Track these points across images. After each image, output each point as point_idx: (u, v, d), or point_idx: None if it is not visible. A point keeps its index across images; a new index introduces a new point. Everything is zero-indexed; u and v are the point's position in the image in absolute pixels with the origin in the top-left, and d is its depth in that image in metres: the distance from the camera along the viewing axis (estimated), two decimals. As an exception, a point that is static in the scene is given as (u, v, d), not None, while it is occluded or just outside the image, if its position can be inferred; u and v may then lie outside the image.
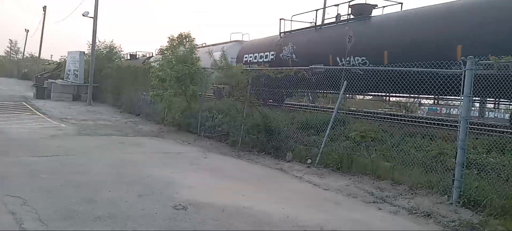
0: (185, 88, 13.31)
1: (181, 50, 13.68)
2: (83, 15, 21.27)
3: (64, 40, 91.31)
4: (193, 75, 13.33)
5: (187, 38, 14.65)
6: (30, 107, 18.67)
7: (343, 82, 9.25)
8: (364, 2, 13.85)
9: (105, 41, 24.93)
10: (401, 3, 13.47)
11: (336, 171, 8.10)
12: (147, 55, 34.71)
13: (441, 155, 6.81)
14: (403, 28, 11.52)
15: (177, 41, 14.59)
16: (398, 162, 7.33)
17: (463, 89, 6.01)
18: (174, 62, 13.18)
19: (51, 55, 57.24)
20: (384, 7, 13.81)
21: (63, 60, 36.27)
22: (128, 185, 6.30)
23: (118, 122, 15.61)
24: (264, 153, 10.11)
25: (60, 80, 25.54)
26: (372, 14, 13.29)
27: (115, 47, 24.95)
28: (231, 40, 22.31)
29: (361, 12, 13.50)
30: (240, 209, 5.42)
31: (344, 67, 11.05)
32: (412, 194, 6.47)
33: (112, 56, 24.81)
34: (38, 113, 16.87)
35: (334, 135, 10.03)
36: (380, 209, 5.94)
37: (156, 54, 35.32)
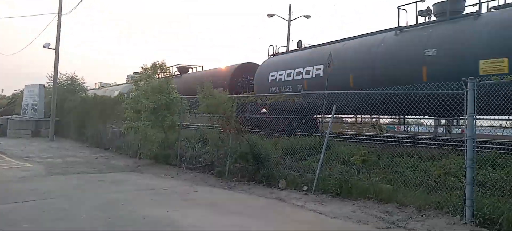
0: (163, 119, 12.78)
1: (156, 80, 13.20)
2: (44, 47, 20.15)
3: (15, 73, 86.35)
4: (169, 105, 12.86)
5: (161, 67, 14.22)
6: (-15, 147, 17.13)
7: (333, 106, 9.21)
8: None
9: (66, 73, 23.79)
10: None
11: (335, 197, 7.90)
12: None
13: (446, 174, 6.80)
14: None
15: (151, 71, 14.10)
16: (400, 184, 7.26)
17: (466, 109, 6.07)
18: (150, 92, 12.65)
19: (2, 90, 53.93)
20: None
21: (17, 94, 34.20)
22: (123, 230, 5.72)
23: (88, 158, 14.63)
24: (254, 182, 9.74)
25: (17, 116, 23.86)
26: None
27: (78, 79, 23.81)
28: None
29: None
30: (257, 247, 5.02)
31: (325, 92, 11.06)
32: (422, 215, 6.38)
33: (74, 88, 23.61)
34: (-4, 153, 15.48)
35: (324, 159, 9.97)
36: (395, 234, 5.77)
37: (126, 83, 34.36)
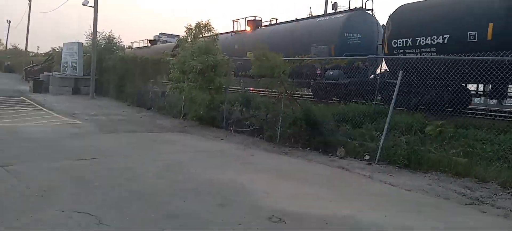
0: (209, 80, 12.51)
1: (202, 40, 12.82)
2: (83, 4, 20.00)
3: (51, 32, 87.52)
4: (216, 66, 12.53)
5: (206, 27, 13.78)
6: (32, 102, 17.49)
7: (399, 72, 8.64)
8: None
9: (103, 32, 23.67)
10: None
11: (403, 168, 7.48)
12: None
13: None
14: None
15: (195, 31, 13.70)
16: (478, 157, 6.77)
17: None
18: (196, 52, 12.32)
19: (38, 47, 55.05)
20: None
21: (54, 51, 34.72)
22: (195, 193, 5.56)
23: (133, 117, 14.68)
24: (308, 148, 9.42)
25: (57, 73, 24.20)
26: None
27: (114, 38, 23.73)
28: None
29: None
30: (344, 220, 4.74)
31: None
32: (509, 193, 5.92)
33: (112, 47, 23.60)
34: (44, 109, 15.76)
35: (379, 127, 9.49)
36: (483, 212, 5.34)
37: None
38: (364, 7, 14.95)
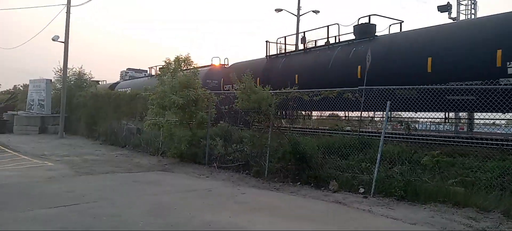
0: (191, 115, 12.14)
1: (182, 74, 12.52)
2: (53, 40, 19.29)
3: (14, 68, 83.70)
4: (197, 100, 12.21)
5: (185, 61, 13.54)
6: (-5, 144, 16.35)
7: (387, 103, 8.64)
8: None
9: (73, 68, 22.87)
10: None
11: (400, 200, 7.34)
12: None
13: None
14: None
15: (174, 65, 13.41)
16: (478, 186, 6.73)
17: None
18: (177, 87, 11.98)
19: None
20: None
21: (18, 89, 33.20)
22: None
23: (108, 156, 13.94)
24: (299, 183, 9.15)
25: (23, 112, 22.97)
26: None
27: (85, 74, 22.96)
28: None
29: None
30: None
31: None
32: (514, 222, 5.85)
33: (82, 83, 22.79)
34: (8, 150, 14.76)
35: (366, 158, 9.39)
36: (494, 244, 5.22)
37: (122, 80, 33.31)
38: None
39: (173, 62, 13.48)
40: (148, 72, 37.49)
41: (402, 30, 12.97)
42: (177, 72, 12.82)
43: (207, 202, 7.35)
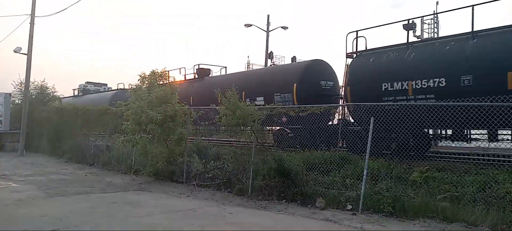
0: (168, 132, 11.76)
1: (159, 89, 12.14)
2: (15, 51, 18.18)
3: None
4: (175, 116, 11.87)
5: (161, 75, 13.21)
6: None
7: (371, 119, 8.79)
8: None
9: (35, 81, 21.64)
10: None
11: (389, 216, 7.41)
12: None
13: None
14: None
15: (149, 80, 13.03)
16: (465, 200, 6.93)
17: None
18: (155, 102, 11.60)
19: None
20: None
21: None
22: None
23: (76, 175, 13.17)
24: (284, 200, 9.04)
25: (-24, 128, 21.38)
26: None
27: (48, 88, 21.80)
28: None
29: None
30: None
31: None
32: (503, 236, 6.04)
33: (44, 98, 21.61)
34: (-37, 171, 13.58)
35: (347, 174, 9.48)
36: (489, 259, 5.35)
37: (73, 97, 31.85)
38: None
39: (148, 77, 13.11)
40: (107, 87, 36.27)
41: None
42: (154, 87, 12.42)
43: (198, 223, 7.05)
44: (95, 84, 40.05)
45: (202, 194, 10.17)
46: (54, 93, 21.74)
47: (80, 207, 8.13)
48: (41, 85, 21.80)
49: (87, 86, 36.69)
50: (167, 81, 13.00)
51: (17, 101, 22.11)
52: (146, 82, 13.00)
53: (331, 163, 10.14)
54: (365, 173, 8.18)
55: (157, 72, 13.19)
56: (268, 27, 32.49)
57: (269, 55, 32.23)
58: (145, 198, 9.57)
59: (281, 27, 33.24)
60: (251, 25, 32.73)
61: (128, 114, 11.87)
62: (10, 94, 20.89)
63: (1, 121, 20.36)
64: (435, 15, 21.04)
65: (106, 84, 41.60)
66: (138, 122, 11.73)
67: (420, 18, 17.48)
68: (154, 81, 12.85)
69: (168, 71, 13.34)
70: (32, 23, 18.26)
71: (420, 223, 6.93)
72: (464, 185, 7.70)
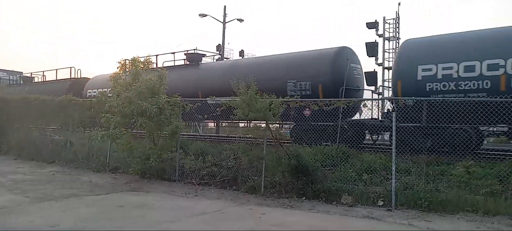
0: (159, 125, 10.62)
1: (148, 79, 10.90)
2: None
3: None
4: (163, 109, 10.77)
5: (145, 63, 11.92)
6: None
7: (393, 114, 8.70)
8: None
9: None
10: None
11: (427, 211, 7.31)
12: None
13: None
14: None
15: (131, 68, 11.67)
16: (504, 195, 7.07)
17: None
18: (146, 92, 10.40)
19: None
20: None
21: None
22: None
23: (42, 175, 11.42)
24: (305, 198, 8.60)
25: None
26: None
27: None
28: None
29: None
30: None
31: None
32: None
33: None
34: None
35: (361, 169, 9.29)
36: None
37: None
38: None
39: (129, 65, 11.75)
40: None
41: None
42: (139, 76, 11.13)
43: (238, 226, 6.31)
44: (6, 71, 35.91)
45: (208, 193, 9.33)
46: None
47: (87, 213, 6.91)
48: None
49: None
50: (152, 69, 11.70)
51: None
52: (128, 70, 11.63)
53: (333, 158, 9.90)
54: (393, 168, 8.03)
55: (138, 59, 11.83)
56: (224, 19, 31.61)
57: (240, 53, 31.09)
58: (149, 199, 8.47)
59: (237, 19, 32.56)
60: (206, 15, 31.55)
61: (114, 105, 10.49)
62: None
63: None
64: (397, 16, 22.09)
65: (21, 72, 37.52)
66: (125, 114, 10.43)
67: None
68: (137, 69, 11.50)
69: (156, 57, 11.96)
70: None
71: (463, 218, 6.92)
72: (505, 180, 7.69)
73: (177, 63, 18.29)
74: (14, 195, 8.26)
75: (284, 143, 9.12)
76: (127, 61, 11.81)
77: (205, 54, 19.27)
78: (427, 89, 10.75)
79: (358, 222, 6.86)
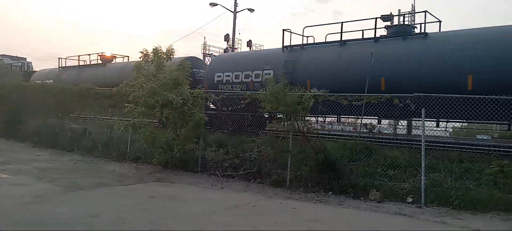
0: (183, 117, 10.65)
1: (173, 68, 10.90)
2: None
3: None
4: (187, 100, 10.77)
5: (168, 53, 11.84)
6: None
7: (422, 110, 8.68)
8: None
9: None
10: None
11: (458, 209, 7.34)
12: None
13: None
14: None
15: (154, 58, 11.63)
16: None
17: None
18: (170, 84, 10.41)
19: None
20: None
21: None
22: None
23: (64, 163, 11.53)
24: (331, 193, 8.64)
25: None
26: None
27: (1, 59, 18.83)
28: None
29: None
30: None
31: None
32: None
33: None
34: None
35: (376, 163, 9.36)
36: None
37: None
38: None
39: (151, 54, 11.72)
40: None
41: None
42: (162, 66, 11.12)
43: (274, 221, 6.36)
44: (12, 57, 35.89)
45: (233, 185, 9.40)
46: (9, 66, 18.83)
47: (123, 204, 6.97)
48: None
49: (3, 59, 32.88)
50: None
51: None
52: (150, 61, 11.60)
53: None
54: (423, 164, 8.05)
55: (160, 49, 11.79)
56: (235, 8, 31.43)
57: (248, 44, 31.30)
58: (177, 190, 8.54)
59: (248, 9, 32.42)
60: (217, 4, 31.36)
61: (139, 95, 10.51)
62: None
63: None
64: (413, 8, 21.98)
65: (25, 58, 37.53)
66: (149, 105, 10.46)
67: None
68: (160, 59, 11.47)
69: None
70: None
71: (496, 217, 6.95)
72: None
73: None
74: (44, 184, 8.32)
75: (311, 137, 9.10)
76: (149, 51, 11.78)
77: None
78: (219, 88, 15.54)
79: (392, 219, 6.88)
